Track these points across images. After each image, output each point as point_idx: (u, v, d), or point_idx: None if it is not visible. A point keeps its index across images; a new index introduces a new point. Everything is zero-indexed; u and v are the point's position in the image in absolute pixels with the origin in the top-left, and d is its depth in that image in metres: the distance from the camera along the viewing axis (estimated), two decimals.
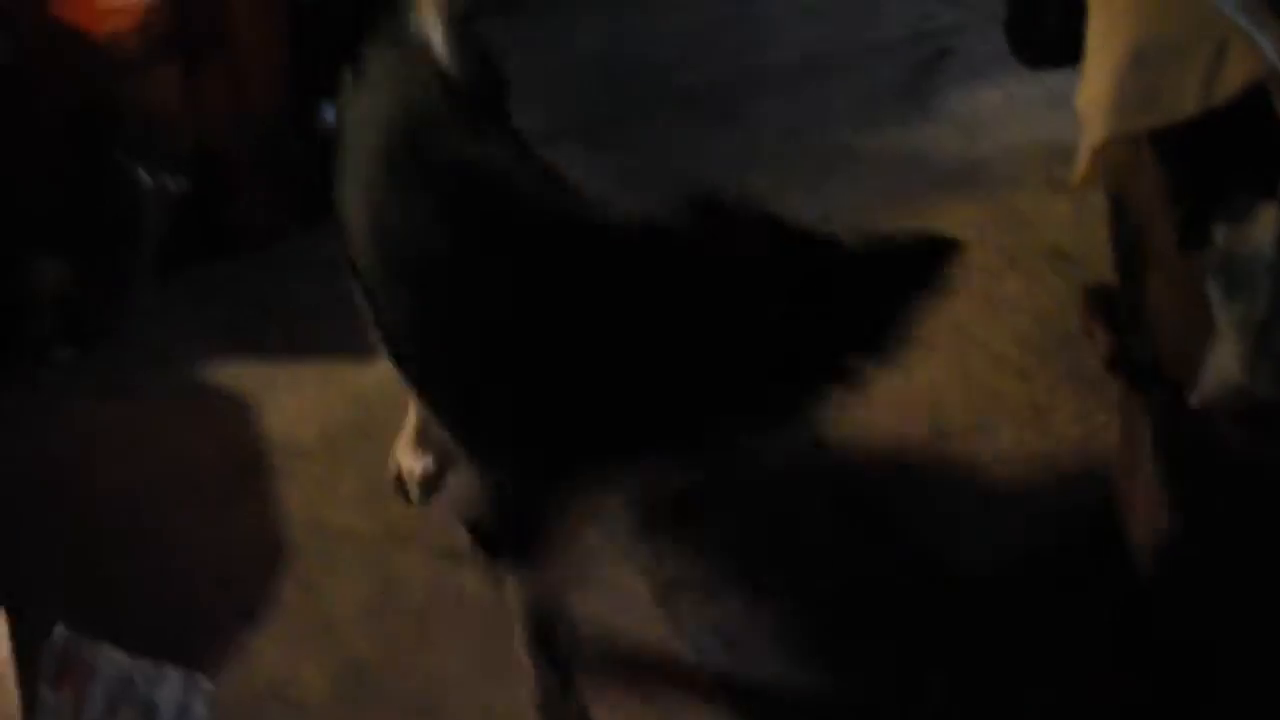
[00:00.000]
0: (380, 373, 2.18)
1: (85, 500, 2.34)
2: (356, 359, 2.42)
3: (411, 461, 2.33)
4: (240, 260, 2.82)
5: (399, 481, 2.34)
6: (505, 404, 1.79)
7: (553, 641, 1.97)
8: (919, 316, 1.61)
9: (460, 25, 2.00)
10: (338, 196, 2.04)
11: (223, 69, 2.74)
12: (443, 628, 2.16)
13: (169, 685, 1.95)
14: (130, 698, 1.91)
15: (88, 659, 1.91)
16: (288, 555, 2.27)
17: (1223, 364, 1.64)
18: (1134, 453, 2.06)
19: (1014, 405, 2.48)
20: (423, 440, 2.31)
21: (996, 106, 3.20)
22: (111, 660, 1.92)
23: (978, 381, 2.54)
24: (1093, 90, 1.77)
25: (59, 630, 1.90)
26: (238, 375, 2.58)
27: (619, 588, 2.20)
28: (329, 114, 2.65)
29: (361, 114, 2.04)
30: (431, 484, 2.33)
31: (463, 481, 2.17)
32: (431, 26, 1.97)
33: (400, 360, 2.01)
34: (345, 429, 2.47)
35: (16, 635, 1.83)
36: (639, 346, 1.66)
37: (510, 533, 1.90)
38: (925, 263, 1.59)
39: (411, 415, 2.31)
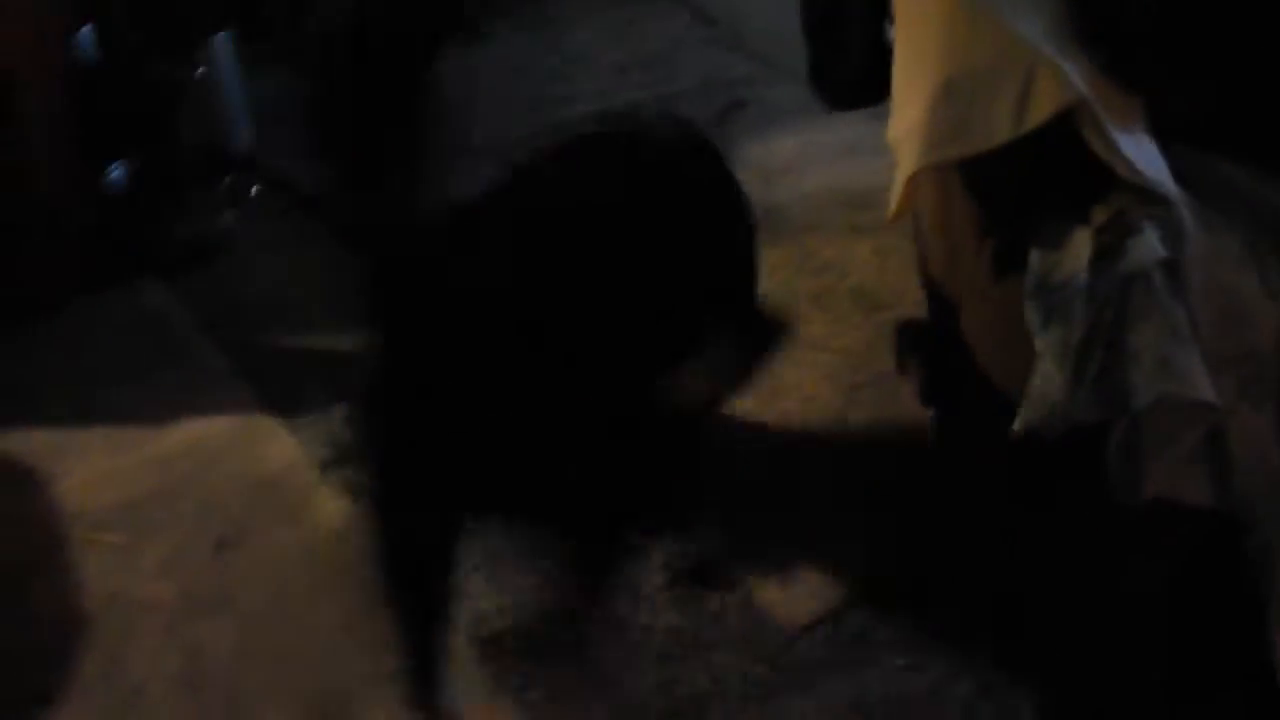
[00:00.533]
0: (185, 434, 2.10)
1: None
2: (156, 423, 2.33)
3: None
4: (24, 329, 2.77)
5: None
6: None
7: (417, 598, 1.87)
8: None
9: None
10: None
11: (6, 146, 2.71)
12: (256, 695, 2.07)
13: None
14: None
15: None
16: (88, 630, 2.16)
17: (1044, 388, 1.67)
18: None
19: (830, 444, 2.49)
20: None
21: (793, 154, 3.25)
22: None
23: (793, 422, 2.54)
24: (904, 122, 1.79)
25: None
26: (25, 446, 2.49)
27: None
28: (116, 175, 2.69)
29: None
30: None
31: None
32: None
33: None
34: (145, 495, 2.37)
35: None
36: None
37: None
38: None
39: None
